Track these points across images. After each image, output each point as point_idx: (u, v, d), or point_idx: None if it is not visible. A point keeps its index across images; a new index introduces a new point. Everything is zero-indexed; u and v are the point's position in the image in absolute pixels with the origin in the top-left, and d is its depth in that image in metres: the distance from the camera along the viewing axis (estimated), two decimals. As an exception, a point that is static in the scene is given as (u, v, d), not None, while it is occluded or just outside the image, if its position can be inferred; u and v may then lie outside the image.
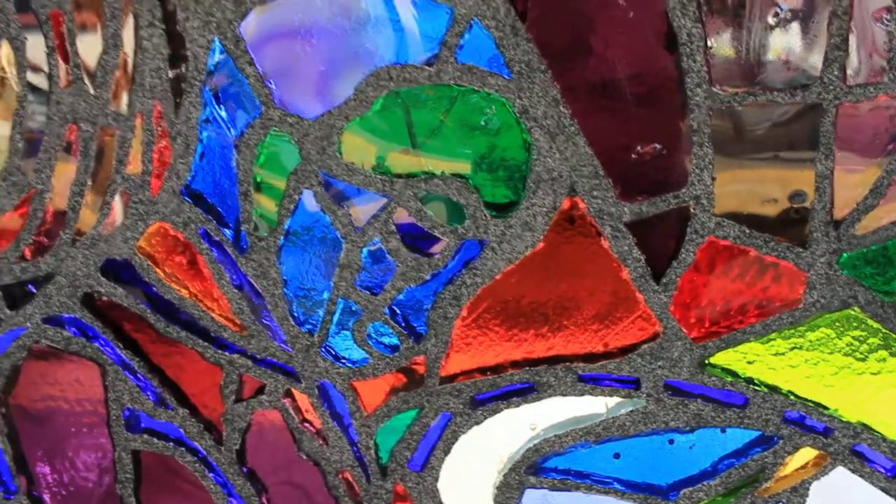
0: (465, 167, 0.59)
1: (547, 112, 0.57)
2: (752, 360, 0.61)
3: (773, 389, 0.62)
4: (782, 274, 0.59)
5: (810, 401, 0.61)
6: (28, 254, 0.68)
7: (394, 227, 0.61)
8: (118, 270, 0.66)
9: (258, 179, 0.62)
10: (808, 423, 0.62)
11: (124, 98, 0.62)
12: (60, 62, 0.63)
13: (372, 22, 0.57)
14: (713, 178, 0.58)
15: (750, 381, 0.62)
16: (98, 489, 0.74)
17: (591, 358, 0.62)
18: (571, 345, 0.62)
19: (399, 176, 0.60)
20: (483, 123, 0.58)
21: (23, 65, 0.63)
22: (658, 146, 0.57)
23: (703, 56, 0.56)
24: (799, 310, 0.60)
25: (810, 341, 0.60)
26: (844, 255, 0.58)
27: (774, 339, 0.61)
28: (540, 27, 0.56)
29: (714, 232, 0.59)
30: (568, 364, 0.63)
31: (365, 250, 0.62)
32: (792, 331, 0.60)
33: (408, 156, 0.60)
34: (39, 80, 0.64)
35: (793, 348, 0.61)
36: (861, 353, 0.60)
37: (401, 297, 0.62)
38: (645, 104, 0.57)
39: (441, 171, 0.59)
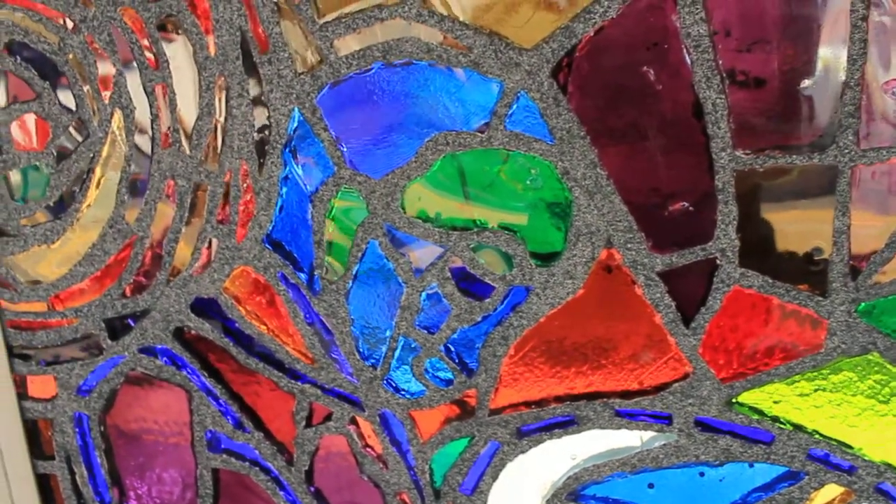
0: (516, 218, 0.66)
1: (586, 173, 0.64)
2: (777, 399, 0.66)
3: (799, 428, 0.66)
4: (804, 320, 0.64)
5: (834, 440, 0.65)
6: (128, 292, 0.76)
7: (449, 274, 0.68)
8: (206, 308, 0.75)
9: (330, 230, 0.70)
10: (832, 460, 0.66)
11: (216, 158, 0.71)
12: (162, 127, 0.72)
13: (432, 93, 0.65)
14: (737, 233, 0.63)
15: (776, 419, 0.66)
16: (181, 502, 0.82)
17: (627, 395, 0.68)
18: (609, 382, 0.68)
19: (455, 228, 0.67)
20: (528, 182, 0.65)
21: (130, 129, 0.72)
22: (686, 204, 0.63)
23: (727, 123, 0.62)
24: (821, 354, 0.64)
25: (833, 383, 0.64)
26: (862, 304, 0.63)
27: (798, 381, 0.65)
28: (579, 99, 0.63)
29: (739, 281, 0.64)
30: (606, 400, 0.68)
31: (423, 294, 0.69)
32: (815, 373, 0.65)
33: (462, 210, 0.67)
34: (143, 142, 0.73)
35: (816, 390, 0.65)
36: (884, 396, 0.64)
37: (455, 336, 0.69)
38: (675, 166, 0.63)
39: (494, 222, 0.66)
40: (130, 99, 0.72)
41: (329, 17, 0.66)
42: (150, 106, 0.72)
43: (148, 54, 0.71)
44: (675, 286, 0.65)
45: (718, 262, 0.64)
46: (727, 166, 0.62)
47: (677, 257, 0.64)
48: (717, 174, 0.62)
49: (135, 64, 0.71)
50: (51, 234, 0.77)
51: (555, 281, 0.66)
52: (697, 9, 0.60)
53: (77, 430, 0.82)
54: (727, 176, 0.62)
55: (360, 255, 0.69)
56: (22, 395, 0.83)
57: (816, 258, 0.63)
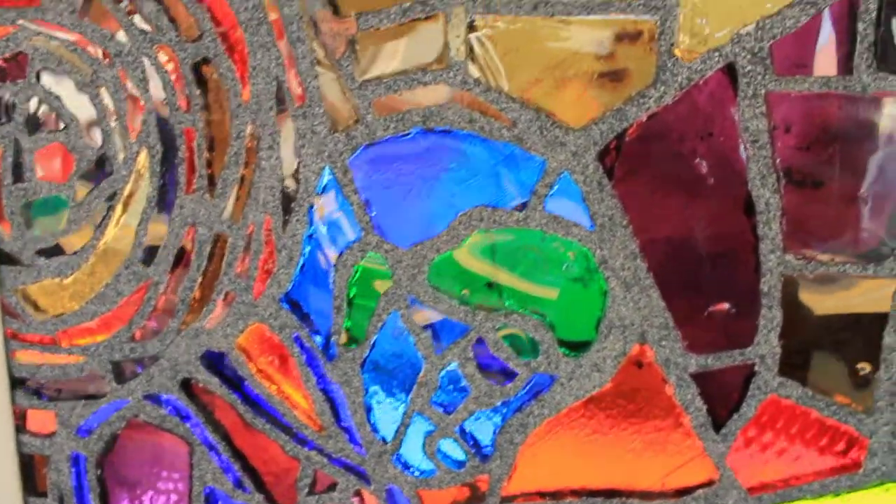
0: (546, 292, 0.63)
1: (625, 264, 0.61)
2: (808, 517, 0.63)
3: (828, 548, 0.62)
4: (843, 438, 0.61)
5: (866, 563, 0.62)
6: (138, 336, 0.74)
7: (471, 354, 0.64)
8: (216, 361, 0.72)
9: (350, 295, 0.67)
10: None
11: (240, 209, 0.68)
12: (187, 171, 0.69)
13: (470, 165, 0.62)
14: (780, 340, 0.60)
15: (804, 537, 0.63)
16: (173, 557, 0.79)
17: (647, 496, 0.64)
18: (630, 481, 0.65)
19: (481, 308, 0.64)
20: (564, 268, 0.62)
21: (155, 170, 0.70)
22: (729, 306, 0.60)
23: (779, 224, 0.58)
24: (859, 474, 0.61)
25: (869, 506, 0.61)
26: (910, 427, 0.60)
27: (831, 501, 0.62)
28: (625, 185, 0.60)
29: (777, 390, 0.61)
30: (625, 499, 0.65)
31: (443, 371, 0.66)
32: (851, 494, 0.61)
33: (491, 290, 0.64)
34: (167, 184, 0.70)
35: (851, 510, 0.62)
36: (922, 524, 0.61)
37: (472, 418, 0.66)
38: (720, 265, 0.60)
39: (523, 292, 0.63)
40: (158, 139, 0.70)
41: (370, 76, 0.64)
42: (178, 149, 0.69)
43: (180, 96, 0.69)
44: (708, 389, 0.62)
45: (757, 368, 0.60)
46: (775, 270, 0.59)
47: (713, 360, 0.61)
48: (763, 277, 0.59)
49: (166, 104, 0.69)
50: (65, 269, 0.75)
51: (581, 372, 0.63)
52: (758, 102, 0.57)
53: (73, 469, 0.80)
54: (774, 280, 0.59)
55: (380, 324, 0.66)
56: (20, 427, 0.80)
57: (862, 374, 0.59)
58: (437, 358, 0.65)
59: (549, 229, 0.61)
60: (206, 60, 0.68)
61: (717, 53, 0.57)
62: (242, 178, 0.68)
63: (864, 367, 0.59)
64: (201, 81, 0.68)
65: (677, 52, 0.58)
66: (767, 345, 0.60)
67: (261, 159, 0.67)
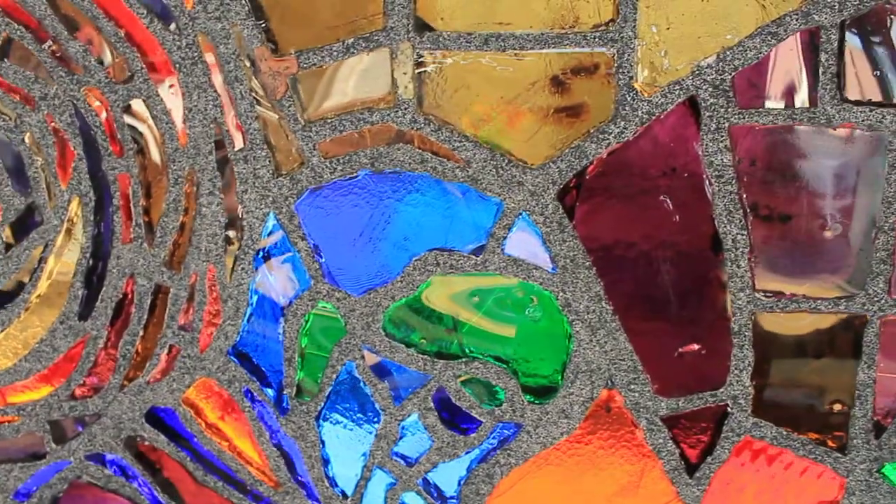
0: (506, 330, 0.60)
1: (589, 306, 0.58)
2: (785, 557, 0.61)
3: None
4: (819, 478, 0.59)
5: None
6: (78, 393, 0.69)
7: (432, 405, 0.61)
8: (162, 418, 0.68)
9: (302, 345, 0.63)
10: None
11: (180, 258, 0.64)
12: (123, 219, 0.65)
13: (423, 208, 0.59)
14: (752, 380, 0.58)
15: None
16: None
17: (622, 543, 0.62)
18: (603, 528, 0.62)
19: (440, 356, 0.61)
20: (526, 312, 0.59)
21: (88, 219, 0.66)
22: (698, 347, 0.58)
23: (748, 261, 0.56)
24: (836, 513, 0.59)
25: (848, 543, 0.59)
26: (887, 464, 0.58)
27: (810, 540, 0.60)
28: (587, 225, 0.57)
29: (750, 431, 0.58)
30: (598, 548, 0.62)
31: (402, 423, 0.62)
32: (829, 532, 0.60)
33: (450, 337, 0.61)
34: (101, 234, 0.66)
35: (829, 549, 0.60)
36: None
37: (435, 469, 0.63)
38: (688, 305, 0.57)
39: (483, 329, 0.60)
40: (91, 186, 0.65)
41: (313, 116, 0.60)
42: (112, 196, 0.65)
43: (112, 140, 0.64)
44: (680, 432, 0.59)
45: (729, 409, 0.58)
46: (745, 308, 0.57)
47: (684, 402, 0.59)
48: (733, 316, 0.57)
49: (98, 148, 0.65)
50: (-5, 324, 0.70)
51: (548, 419, 0.60)
52: (722, 136, 0.55)
53: (14, 534, 0.75)
54: (745, 318, 0.57)
55: (334, 376, 0.63)
56: (-45, 491, 0.75)
57: (836, 411, 0.58)
58: (397, 409, 0.62)
59: (509, 273, 0.58)
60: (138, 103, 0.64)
61: (677, 86, 0.55)
62: (182, 226, 0.64)
63: (841, 401, 0.57)
64: (134, 125, 0.64)
65: (637, 85, 0.55)
66: (740, 385, 0.58)
67: (201, 205, 0.63)
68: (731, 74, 0.54)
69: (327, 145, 0.60)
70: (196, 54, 0.61)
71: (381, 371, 0.62)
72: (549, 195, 0.57)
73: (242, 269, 0.63)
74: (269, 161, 0.61)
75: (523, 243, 0.58)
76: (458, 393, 0.61)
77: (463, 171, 0.58)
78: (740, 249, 0.56)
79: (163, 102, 0.63)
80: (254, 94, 0.61)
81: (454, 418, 0.62)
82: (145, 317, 0.66)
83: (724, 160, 0.55)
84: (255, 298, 0.64)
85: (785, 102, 0.54)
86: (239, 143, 0.62)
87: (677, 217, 0.56)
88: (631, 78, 0.55)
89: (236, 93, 0.61)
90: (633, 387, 0.59)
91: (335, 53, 0.58)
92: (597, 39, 0.55)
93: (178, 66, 0.62)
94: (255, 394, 0.65)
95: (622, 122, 0.56)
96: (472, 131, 0.58)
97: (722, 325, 0.57)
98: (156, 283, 0.65)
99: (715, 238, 0.56)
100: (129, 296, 0.66)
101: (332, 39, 0.58)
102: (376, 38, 0.58)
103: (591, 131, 0.56)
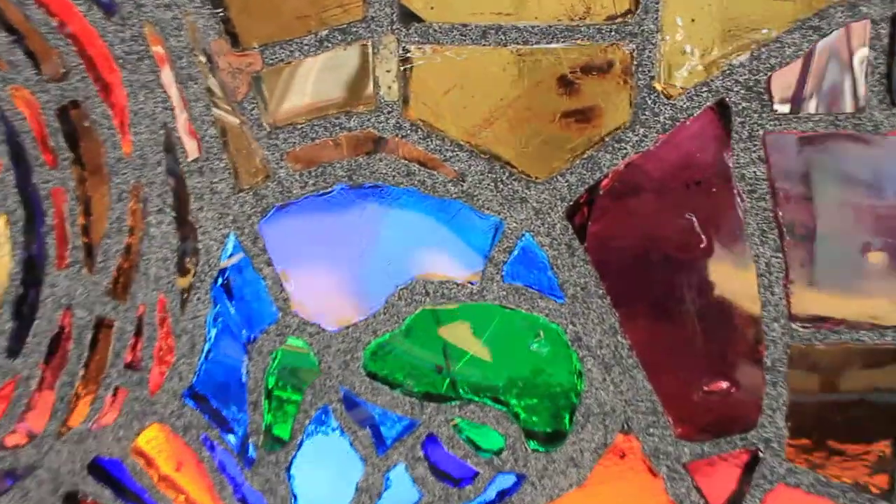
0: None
1: (602, 341, 0.51)
2: None
3: None
4: (861, 528, 0.52)
5: None
6: (8, 442, 0.61)
7: (421, 454, 0.54)
8: (108, 470, 0.59)
9: (269, 386, 0.55)
10: None
11: (126, 286, 0.56)
12: (58, 242, 0.56)
13: (408, 228, 0.51)
14: (787, 421, 0.51)
15: None
16: None
17: None
18: (615, 588, 0.55)
19: (430, 398, 0.53)
20: (532, 348, 0.51)
21: (17, 241, 0.57)
22: (727, 384, 0.51)
23: (783, 287, 0.49)
24: (878, 567, 0.53)
25: None
26: (935, 511, 0.52)
27: None
28: (600, 248, 0.50)
29: (785, 479, 0.52)
30: None
31: (387, 474, 0.55)
32: (868, 588, 0.53)
33: (440, 375, 0.53)
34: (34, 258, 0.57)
35: None
36: None
37: (424, 524, 0.55)
38: (715, 338, 0.50)
39: (480, 366, 0.52)
40: (19, 202, 0.56)
41: (281, 121, 0.52)
42: (44, 213, 0.56)
43: (44, 148, 0.55)
44: (704, 480, 0.52)
45: (761, 454, 0.51)
46: (780, 340, 0.50)
47: (710, 447, 0.52)
48: (767, 349, 0.50)
49: (28, 158, 0.56)
50: (-89, 362, 0.61)
51: (555, 469, 0.53)
52: (755, 145, 0.48)
53: None
54: (779, 352, 0.50)
55: (307, 421, 0.55)
56: None
57: (881, 453, 0.51)
58: (381, 459, 0.54)
59: (510, 303, 0.51)
60: (74, 104, 0.55)
61: (705, 88, 0.48)
62: (128, 248, 0.56)
63: (883, 446, 0.51)
64: (70, 130, 0.55)
65: (658, 86, 0.48)
66: (773, 426, 0.51)
67: (149, 225, 0.55)
68: (766, 75, 0.48)
69: (297, 155, 0.52)
70: (142, 48, 0.53)
71: (362, 417, 0.54)
72: (557, 213, 0.50)
73: (198, 298, 0.55)
74: (229, 174, 0.53)
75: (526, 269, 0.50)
76: (450, 440, 0.53)
77: (456, 186, 0.51)
78: (774, 274, 0.49)
79: (103, 104, 0.54)
80: (210, 94, 0.52)
81: (446, 468, 0.54)
82: (86, 354, 0.58)
83: (758, 172, 0.48)
84: (213, 333, 0.55)
85: (827, 107, 0.47)
86: (193, 152, 0.54)
87: (704, 238, 0.49)
88: (652, 78, 0.48)
89: (190, 93, 0.53)
90: (652, 430, 0.52)
91: (306, 48, 0.51)
92: (612, 33, 0.48)
93: (121, 61, 0.53)
94: (215, 442, 0.57)
95: (641, 129, 0.49)
96: (467, 139, 0.50)
97: (754, 359, 0.50)
98: (97, 316, 0.57)
99: (746, 261, 0.49)
100: (66, 329, 0.58)
101: (302, 31, 0.51)
102: (354, 29, 0.50)
103: (606, 139, 0.49)
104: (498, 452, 0.53)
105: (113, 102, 0.55)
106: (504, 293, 0.51)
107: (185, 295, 0.55)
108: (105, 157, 0.55)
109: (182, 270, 0.55)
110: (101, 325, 0.57)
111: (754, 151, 0.48)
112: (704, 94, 0.48)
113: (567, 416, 0.53)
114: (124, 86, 0.54)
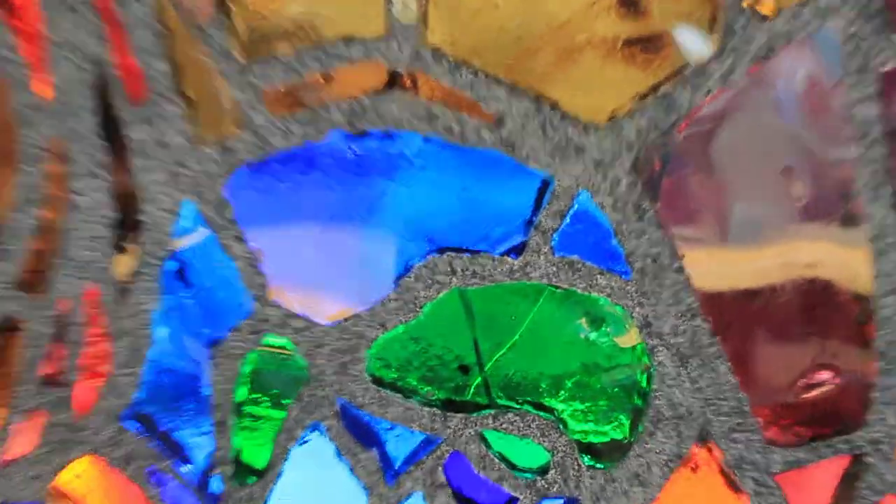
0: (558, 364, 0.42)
1: (678, 326, 0.41)
2: None
3: None
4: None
5: None
6: None
7: (443, 479, 0.42)
8: (18, 519, 0.46)
9: (239, 400, 0.43)
10: None
11: (41, 276, 0.43)
12: (-55, 218, 0.43)
13: (428, 187, 0.40)
14: (896, 418, 0.42)
15: None
16: None
17: None
18: None
19: (454, 407, 0.42)
20: (582, 337, 0.41)
21: None
22: (830, 374, 0.42)
23: (892, 254, 0.41)
24: None
25: None
26: None
27: None
28: (676, 208, 0.40)
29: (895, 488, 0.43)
30: None
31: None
32: None
33: (468, 377, 0.42)
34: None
35: None
36: None
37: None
38: (815, 319, 0.41)
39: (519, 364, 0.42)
40: None
41: (257, 51, 0.40)
42: (-73, 182, 0.43)
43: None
44: (797, 494, 0.43)
45: (869, 459, 0.42)
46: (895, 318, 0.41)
47: (807, 453, 0.43)
48: (880, 331, 0.42)
49: None
50: None
51: (615, 489, 0.43)
52: (869, 80, 0.39)
53: None
54: (894, 334, 0.41)
55: (291, 444, 0.43)
56: None
57: None
58: (390, 489, 0.42)
59: (562, 280, 0.40)
60: (-35, 34, 0.42)
61: (807, 8, 0.38)
62: (45, 225, 0.42)
63: None
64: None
65: (749, 4, 0.38)
66: (883, 426, 0.42)
67: (75, 193, 0.41)
68: (883, -11, 0.38)
69: (279, 96, 0.40)
70: (63, -46, 0.40)
71: (364, 435, 0.42)
72: (623, 166, 0.40)
73: (142, 288, 0.42)
74: (185, 122, 0.40)
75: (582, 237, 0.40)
76: (482, 459, 0.42)
77: (492, 133, 0.40)
78: (889, 238, 0.40)
79: (7, 33, 0.41)
80: (159, 18, 0.40)
81: (475, 495, 0.43)
82: (-14, 366, 0.44)
83: (871, 114, 0.39)
84: (163, 333, 0.42)
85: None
86: (135, 94, 0.41)
87: (803, 195, 0.40)
88: (743, -8, 0.38)
89: (131, 16, 0.40)
90: (736, 436, 0.42)
91: (292, -49, 0.39)
92: (695, -68, 0.38)
93: (32, -27, 0.40)
94: (165, 475, 0.44)
95: (728, 59, 0.39)
96: (505, 73, 0.39)
97: (862, 343, 0.41)
98: (2, 314, 0.43)
99: (856, 222, 0.40)
100: (-41, 335, 0.44)
101: (286, -71, 0.39)
102: (359, -73, 0.38)
103: (682, 72, 0.39)
104: (542, 472, 0.42)
105: (23, 29, 0.42)
106: (554, 268, 0.41)
107: (125, 284, 0.42)
108: (12, 102, 0.42)
109: (120, 252, 0.42)
110: (8, 328, 0.44)
111: (867, 87, 0.39)
112: (807, 15, 0.39)
113: (629, 423, 0.42)
114: (41, 7, 0.41)
